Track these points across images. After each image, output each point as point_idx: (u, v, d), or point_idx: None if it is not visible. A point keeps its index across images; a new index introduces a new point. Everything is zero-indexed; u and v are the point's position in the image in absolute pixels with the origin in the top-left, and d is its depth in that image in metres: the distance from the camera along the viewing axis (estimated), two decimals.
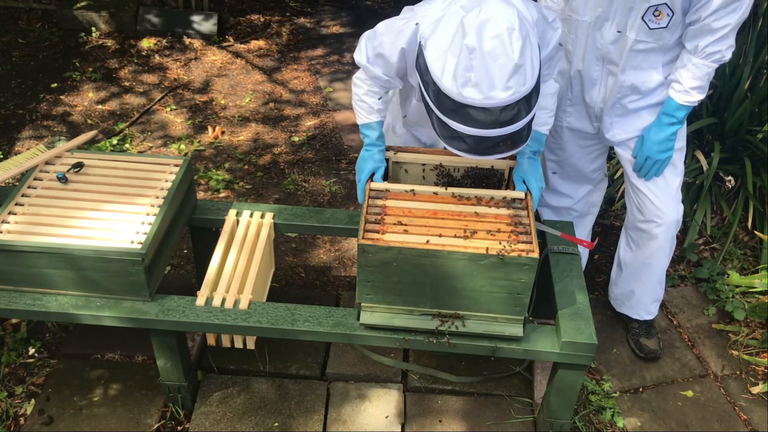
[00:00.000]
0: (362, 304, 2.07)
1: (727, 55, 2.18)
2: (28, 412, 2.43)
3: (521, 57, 1.73)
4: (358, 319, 2.11)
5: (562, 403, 2.27)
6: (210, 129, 3.97)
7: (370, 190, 2.15)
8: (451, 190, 2.16)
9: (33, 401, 2.46)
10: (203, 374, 2.57)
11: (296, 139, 3.96)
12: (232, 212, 2.48)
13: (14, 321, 2.73)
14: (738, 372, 2.75)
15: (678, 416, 2.57)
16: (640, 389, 2.66)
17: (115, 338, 2.62)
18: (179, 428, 2.42)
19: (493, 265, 1.93)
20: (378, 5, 5.51)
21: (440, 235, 1.98)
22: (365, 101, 2.21)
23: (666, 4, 2.12)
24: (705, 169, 3.21)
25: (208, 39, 4.85)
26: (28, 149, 3.22)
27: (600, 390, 2.63)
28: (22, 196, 2.24)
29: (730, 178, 3.31)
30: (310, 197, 3.54)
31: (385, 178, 2.26)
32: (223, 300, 2.18)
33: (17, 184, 2.38)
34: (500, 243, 1.95)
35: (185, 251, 3.14)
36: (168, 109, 4.14)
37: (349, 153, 3.86)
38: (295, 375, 2.59)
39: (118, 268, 2.07)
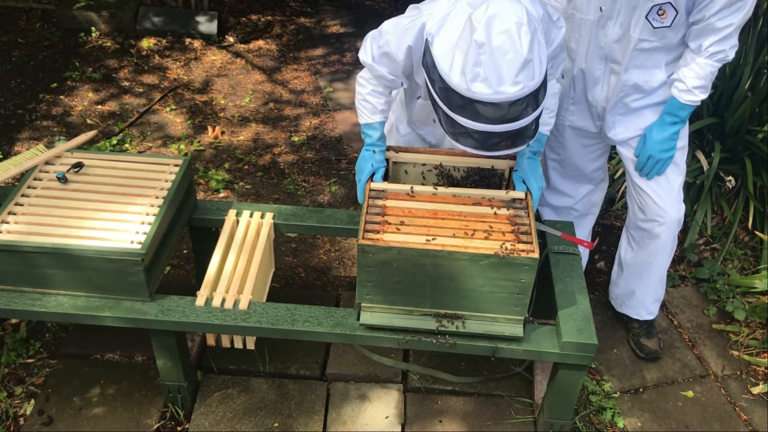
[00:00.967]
0: (362, 305, 2.07)
1: (731, 55, 2.18)
2: (28, 413, 2.43)
3: (530, 52, 1.73)
4: (358, 319, 2.10)
5: (562, 404, 2.27)
6: (210, 129, 3.97)
7: (370, 190, 2.15)
8: (451, 190, 2.16)
9: (33, 401, 2.46)
10: (203, 374, 2.56)
11: (296, 139, 3.95)
12: (232, 212, 2.48)
13: (14, 321, 2.72)
14: (738, 372, 2.75)
15: (678, 416, 2.57)
16: (641, 389, 2.66)
17: (115, 338, 2.62)
18: (179, 428, 2.42)
19: (494, 266, 1.93)
20: (378, 5, 5.51)
21: (440, 236, 1.98)
22: (369, 101, 2.21)
23: (670, 3, 2.12)
24: (705, 169, 3.21)
25: (208, 39, 4.85)
26: (27, 149, 3.22)
27: (600, 390, 2.62)
28: (22, 196, 2.24)
29: (730, 178, 3.31)
30: (310, 197, 3.54)
31: (386, 178, 2.26)
32: (223, 300, 2.17)
33: (17, 184, 2.38)
34: (500, 243, 1.95)
35: (185, 251, 3.14)
36: (168, 109, 4.14)
37: (349, 153, 3.86)
38: (295, 375, 2.59)
39: (117, 268, 2.06)
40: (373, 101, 2.21)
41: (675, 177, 2.43)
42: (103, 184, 2.31)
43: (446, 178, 2.32)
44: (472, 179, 2.32)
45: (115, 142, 3.81)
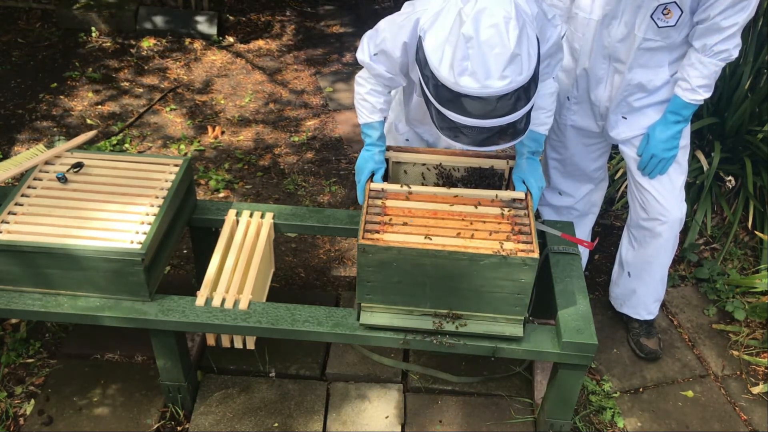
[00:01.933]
0: (362, 304, 2.07)
1: (735, 54, 2.19)
2: (28, 413, 2.43)
3: (517, 46, 1.73)
4: (358, 319, 2.10)
5: (562, 404, 2.27)
6: (210, 129, 3.97)
7: (370, 190, 2.15)
8: (451, 190, 2.16)
9: (33, 401, 2.46)
10: (203, 374, 2.56)
11: (296, 139, 3.95)
12: (232, 212, 2.48)
13: (14, 321, 2.72)
14: (738, 372, 2.75)
15: (678, 416, 2.57)
16: (641, 389, 2.66)
17: (115, 338, 2.62)
18: (179, 428, 2.42)
19: (493, 265, 1.93)
20: (379, 5, 5.51)
21: (440, 235, 1.98)
22: (368, 100, 2.21)
23: (675, 2, 2.12)
24: (705, 169, 3.21)
25: (208, 39, 4.85)
26: (27, 149, 3.22)
27: (600, 390, 2.62)
28: (22, 196, 2.24)
29: (730, 178, 3.31)
30: (310, 197, 3.54)
31: (386, 178, 2.26)
32: (223, 300, 2.17)
33: (17, 184, 2.38)
34: (500, 243, 1.95)
35: (185, 251, 3.14)
36: (168, 109, 4.14)
37: (350, 153, 3.86)
38: (295, 375, 2.59)
39: (117, 268, 2.06)
40: (372, 100, 2.21)
41: (677, 176, 2.44)
42: (103, 184, 2.31)
43: (446, 178, 2.32)
44: (472, 179, 2.32)
45: (115, 142, 3.81)
